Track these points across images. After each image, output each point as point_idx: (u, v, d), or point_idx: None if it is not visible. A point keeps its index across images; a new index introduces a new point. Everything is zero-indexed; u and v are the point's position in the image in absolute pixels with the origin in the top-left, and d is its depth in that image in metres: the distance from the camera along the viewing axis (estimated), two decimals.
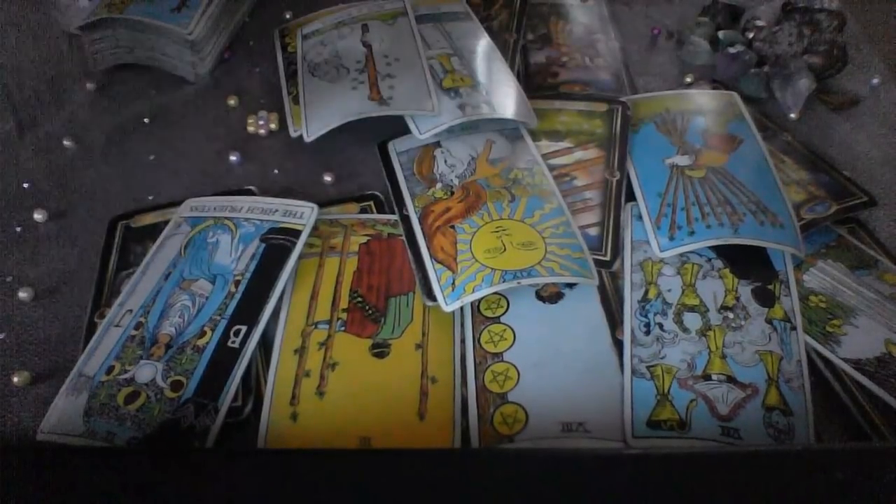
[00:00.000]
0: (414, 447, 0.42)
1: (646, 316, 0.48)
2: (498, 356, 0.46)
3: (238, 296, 0.48)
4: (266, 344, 0.47)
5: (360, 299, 0.49)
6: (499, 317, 0.48)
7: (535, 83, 0.67)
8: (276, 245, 0.51)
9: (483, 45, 0.65)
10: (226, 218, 0.53)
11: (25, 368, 0.47)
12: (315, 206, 0.53)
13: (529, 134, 0.59)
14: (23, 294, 0.51)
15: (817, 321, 0.47)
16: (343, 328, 0.48)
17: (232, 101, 0.67)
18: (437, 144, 0.59)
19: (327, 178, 0.59)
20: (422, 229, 0.52)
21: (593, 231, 0.52)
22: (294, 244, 0.51)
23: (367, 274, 0.51)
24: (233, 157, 0.62)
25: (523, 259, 0.48)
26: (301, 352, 0.46)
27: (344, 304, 0.49)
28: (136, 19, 0.67)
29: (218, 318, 0.47)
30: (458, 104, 0.58)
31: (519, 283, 0.47)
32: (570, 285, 0.49)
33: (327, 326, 0.48)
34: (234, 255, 0.51)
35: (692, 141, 0.58)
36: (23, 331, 0.49)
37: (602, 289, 0.50)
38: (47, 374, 0.47)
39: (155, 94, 0.69)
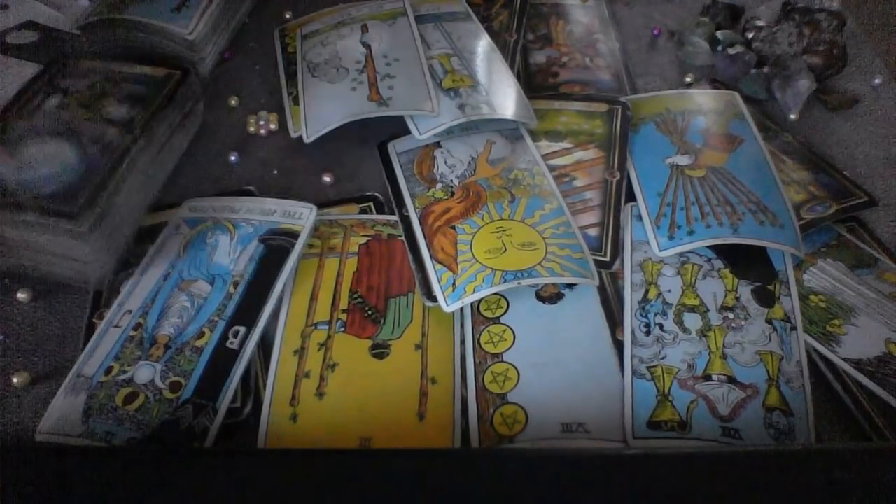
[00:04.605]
0: (414, 447, 0.42)
1: (646, 316, 0.48)
2: (498, 357, 0.46)
3: (237, 297, 0.48)
4: (266, 345, 0.47)
5: (359, 300, 0.49)
6: (499, 317, 0.48)
7: (535, 83, 0.67)
8: (275, 246, 0.51)
9: (483, 45, 0.65)
10: (225, 219, 0.53)
11: (25, 369, 0.47)
12: (314, 207, 0.53)
13: (529, 134, 0.59)
14: (22, 294, 0.51)
15: (817, 321, 0.47)
16: (343, 329, 0.47)
17: (232, 101, 0.67)
18: (438, 145, 0.59)
19: (327, 179, 0.59)
20: (422, 230, 0.52)
21: (593, 231, 0.52)
22: (293, 245, 0.51)
23: (367, 275, 0.51)
24: (232, 157, 0.62)
25: (524, 259, 0.48)
26: (301, 352, 0.46)
27: (344, 304, 0.49)
28: (136, 19, 0.67)
29: (217, 319, 0.47)
30: (458, 104, 0.58)
31: (519, 283, 0.47)
32: (571, 286, 0.49)
33: (327, 327, 0.48)
34: (232, 256, 0.51)
35: (692, 140, 0.58)
36: (22, 331, 0.49)
37: (602, 289, 0.49)
38: (47, 375, 0.47)
39: None
